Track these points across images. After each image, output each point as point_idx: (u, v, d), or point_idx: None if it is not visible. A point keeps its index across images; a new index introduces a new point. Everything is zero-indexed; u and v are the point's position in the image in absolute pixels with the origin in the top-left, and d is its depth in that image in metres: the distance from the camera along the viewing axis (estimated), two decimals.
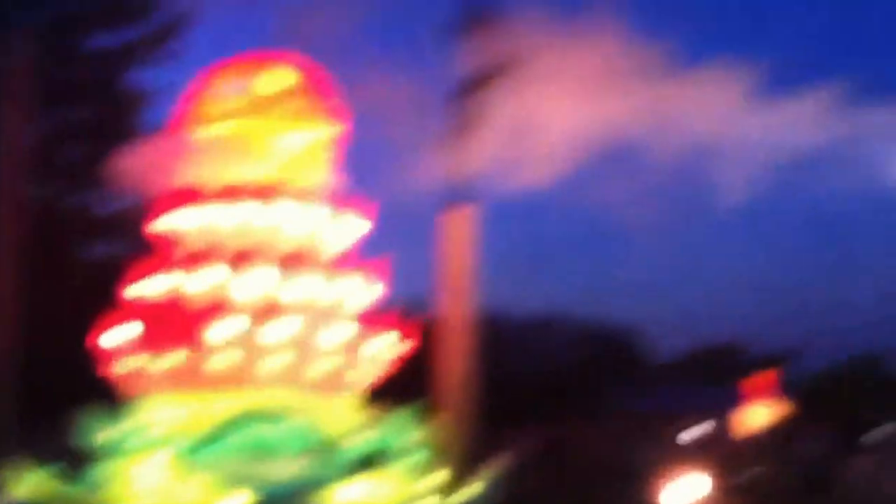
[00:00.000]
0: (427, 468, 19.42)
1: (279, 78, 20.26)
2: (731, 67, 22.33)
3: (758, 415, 44.30)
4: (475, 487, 19.89)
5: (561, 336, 59.40)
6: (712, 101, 22.15)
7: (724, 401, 46.55)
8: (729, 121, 22.36)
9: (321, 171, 20.74)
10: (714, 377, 53.94)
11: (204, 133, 20.37)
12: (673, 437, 43.11)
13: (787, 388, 46.45)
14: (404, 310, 23.29)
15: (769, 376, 45.92)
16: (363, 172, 23.78)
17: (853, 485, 33.81)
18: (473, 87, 24.63)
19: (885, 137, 21.99)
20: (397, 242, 25.20)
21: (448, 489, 19.53)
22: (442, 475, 19.55)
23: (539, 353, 55.47)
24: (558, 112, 22.80)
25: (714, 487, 34.04)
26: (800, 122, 22.17)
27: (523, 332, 56.61)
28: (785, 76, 24.23)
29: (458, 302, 25.14)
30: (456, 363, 24.66)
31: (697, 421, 46.47)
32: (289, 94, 20.17)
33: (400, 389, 20.73)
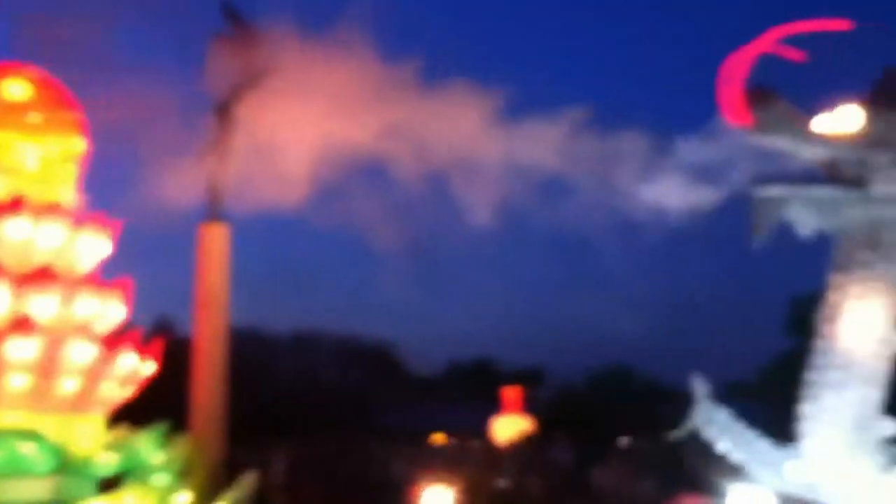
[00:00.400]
0: (174, 487, 19.33)
1: (16, 89, 19.86)
2: (478, 92, 22.98)
3: (510, 427, 45.37)
4: None
5: (320, 353, 59.46)
6: (460, 123, 22.73)
7: (479, 414, 47.52)
8: (476, 143, 22.97)
9: (63, 187, 20.41)
10: (469, 392, 55.04)
11: None
12: (428, 450, 43.68)
13: (538, 402, 47.94)
14: (152, 329, 23.11)
15: (520, 390, 47.20)
16: (109, 189, 23.52)
17: (604, 490, 34.96)
18: (226, 102, 24.62)
19: (622, 162, 22.91)
20: (148, 261, 24.98)
21: None
22: (189, 494, 19.48)
23: (298, 370, 55.40)
24: (308, 129, 22.98)
25: (467, 498, 34.82)
26: (544, 146, 22.94)
27: (281, 349, 56.46)
28: (529, 102, 25.03)
29: (212, 319, 25.01)
30: (206, 382, 24.53)
31: (453, 434, 47.23)
32: (27, 106, 19.78)
33: (149, 409, 20.57)
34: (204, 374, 24.56)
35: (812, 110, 16.75)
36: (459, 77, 23.27)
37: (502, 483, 38.00)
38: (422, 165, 23.18)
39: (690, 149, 19.26)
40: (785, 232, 16.99)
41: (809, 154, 16.85)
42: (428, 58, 23.72)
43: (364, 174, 24.40)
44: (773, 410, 18.69)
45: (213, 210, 25.01)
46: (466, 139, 22.79)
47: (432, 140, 22.93)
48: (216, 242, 24.95)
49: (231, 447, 24.67)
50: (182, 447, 20.15)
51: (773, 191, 16.51)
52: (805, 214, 16.74)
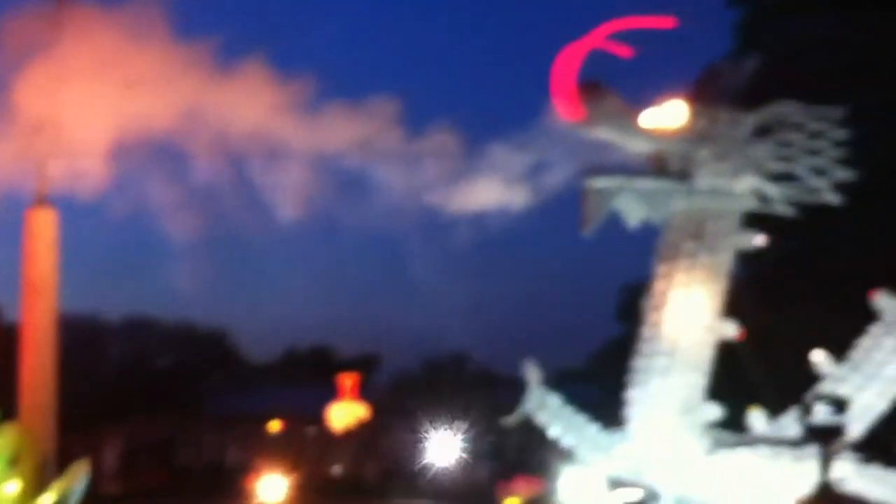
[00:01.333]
0: (3, 476, 18.95)
1: None
2: (280, 77, 22.62)
3: (346, 413, 45.52)
4: (51, 496, 19.56)
5: (153, 339, 58.64)
6: (259, 108, 22.30)
7: (315, 400, 47.49)
8: (278, 130, 22.59)
9: None
10: (306, 378, 54.89)
11: None
12: (264, 436, 43.54)
13: (372, 389, 48.16)
14: None
15: (356, 377, 47.34)
16: None
17: (440, 474, 35.32)
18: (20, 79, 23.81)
19: (434, 160, 22.93)
20: None
21: (24, 499, 19.11)
22: (19, 483, 19.12)
23: (131, 357, 54.57)
24: (103, 110, 22.25)
25: (302, 482, 34.84)
26: (351, 138, 22.78)
27: (114, 335, 55.51)
28: (336, 90, 24.74)
29: (41, 305, 24.45)
30: (35, 369, 24.00)
31: (289, 420, 47.09)
32: None
33: None
34: (33, 360, 23.99)
35: (640, 105, 17.17)
36: (261, 60, 22.86)
37: (337, 469, 38.15)
38: (223, 152, 22.78)
39: (511, 144, 19.53)
40: (616, 222, 17.37)
41: (637, 147, 17.28)
42: (228, 38, 23.26)
43: (165, 159, 23.85)
44: (604, 395, 19.16)
45: (39, 194, 24.45)
46: (268, 126, 22.45)
47: (232, 126, 22.50)
48: (44, 227, 24.40)
49: (62, 435, 24.18)
50: (10, 435, 19.75)
51: (603, 182, 16.86)
52: (633, 205, 17.15)
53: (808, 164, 17.07)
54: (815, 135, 17.11)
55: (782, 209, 17.28)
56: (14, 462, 19.42)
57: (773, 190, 17.13)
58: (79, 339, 31.73)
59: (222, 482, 35.25)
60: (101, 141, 22.42)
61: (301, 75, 22.63)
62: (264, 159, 22.99)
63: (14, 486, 18.98)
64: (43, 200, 24.31)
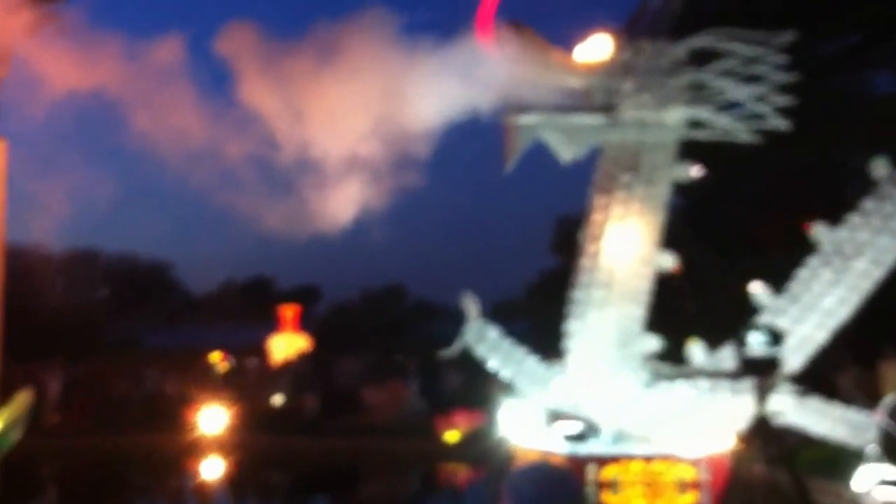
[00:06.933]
0: None
1: None
2: None
3: (286, 345, 45.53)
4: None
5: (93, 271, 58.19)
6: None
7: (255, 333, 47.49)
8: None
9: None
10: (245, 311, 54.84)
11: None
12: (204, 369, 43.43)
13: (312, 319, 48.13)
14: None
15: (294, 309, 47.29)
16: None
17: (377, 407, 35.45)
18: None
19: None
20: None
21: None
22: None
23: (67, 287, 54.14)
24: None
25: (242, 415, 34.86)
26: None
27: (54, 267, 55.03)
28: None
29: None
30: None
31: (229, 353, 47.03)
32: None
33: None
34: None
35: (564, 40, 17.09)
36: None
37: (277, 401, 38.14)
38: None
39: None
40: (548, 154, 17.29)
41: (559, 82, 17.18)
42: None
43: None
44: (540, 328, 19.18)
45: None
46: None
47: None
48: None
49: (3, 366, 23.90)
50: None
51: (525, 119, 16.78)
52: (561, 141, 17.06)
53: (747, 92, 16.98)
54: (752, 61, 17.00)
55: (739, 137, 17.16)
56: None
57: (716, 119, 17.06)
58: (18, 270, 31.20)
59: (162, 414, 35.10)
60: None
61: None
62: None
63: None
64: None
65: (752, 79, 17.04)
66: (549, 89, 17.26)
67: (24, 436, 20.05)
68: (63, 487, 28.70)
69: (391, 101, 18.50)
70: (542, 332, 18.35)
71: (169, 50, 21.48)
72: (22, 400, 20.49)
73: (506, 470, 15.69)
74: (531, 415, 17.32)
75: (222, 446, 33.30)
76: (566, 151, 17.11)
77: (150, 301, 57.25)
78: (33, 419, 20.75)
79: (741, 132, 17.08)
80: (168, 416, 34.79)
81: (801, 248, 17.42)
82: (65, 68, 21.53)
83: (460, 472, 29.53)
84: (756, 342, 15.10)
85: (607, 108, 17.09)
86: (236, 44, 20.03)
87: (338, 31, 19.36)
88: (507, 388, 18.13)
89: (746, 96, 17.01)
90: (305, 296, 54.79)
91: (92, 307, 52.72)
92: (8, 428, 19.95)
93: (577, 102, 17.37)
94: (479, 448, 26.42)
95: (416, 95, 17.88)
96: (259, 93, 20.15)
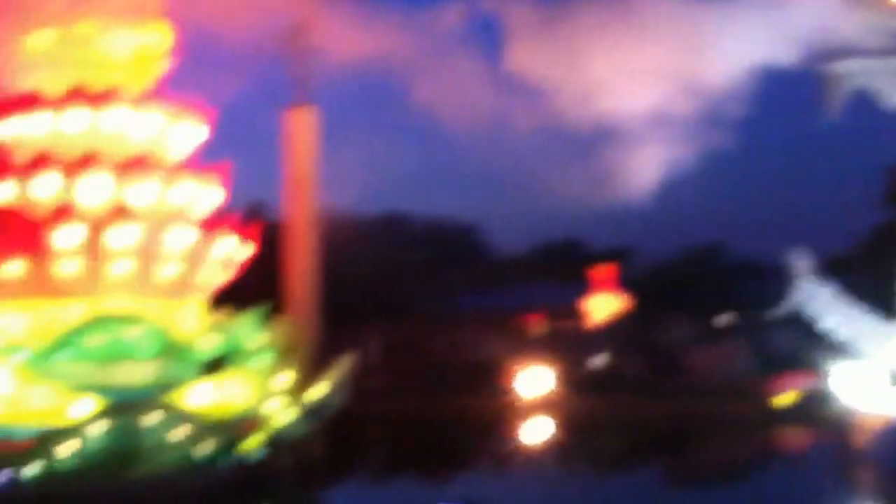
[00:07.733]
0: (275, 369, 19.51)
1: None
2: None
3: (602, 307, 45.18)
4: (322, 387, 20.05)
5: (403, 235, 59.35)
6: None
7: (569, 295, 47.34)
8: None
9: (156, 75, 20.51)
10: (556, 272, 54.70)
11: (34, 39, 19.95)
12: (521, 332, 43.69)
13: (629, 280, 47.48)
14: (247, 213, 23.10)
15: (610, 269, 46.76)
16: (202, 77, 23.38)
17: (699, 370, 34.85)
18: None
19: None
20: (240, 147, 24.98)
21: (296, 389, 19.65)
22: (289, 376, 19.67)
23: (382, 253, 55.45)
24: None
25: (563, 377, 34.89)
26: None
27: (366, 231, 56.46)
28: None
29: (302, 203, 24.97)
30: (301, 264, 24.57)
31: (545, 315, 47.09)
32: None
33: (246, 292, 20.71)
34: (297, 256, 24.60)
35: None
36: None
37: (598, 362, 37.95)
38: None
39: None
40: (871, 103, 16.56)
41: (887, 22, 16.32)
42: None
43: None
44: (877, 285, 18.33)
45: (299, 95, 24.89)
46: None
47: None
48: (303, 126, 24.84)
49: (324, 331, 24.76)
50: (282, 328, 20.32)
51: (845, 66, 16.03)
52: (886, 86, 16.26)
53: None
54: None
55: None
56: (285, 355, 19.97)
57: None
58: (335, 236, 32.28)
59: (480, 377, 35.58)
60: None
61: None
62: None
63: (286, 378, 19.52)
64: (303, 100, 24.78)
65: None
66: (870, 32, 16.51)
67: (349, 399, 20.73)
68: (391, 450, 29.13)
69: (689, 56, 18.15)
70: (880, 289, 17.57)
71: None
72: (345, 364, 21.16)
73: (852, 436, 15.13)
74: (873, 376, 16.59)
75: (544, 408, 33.41)
76: (891, 96, 16.36)
77: (459, 264, 57.94)
78: (356, 381, 21.44)
79: None
80: (486, 379, 35.17)
81: None
82: (362, 40, 22.03)
83: (796, 437, 28.42)
84: None
85: None
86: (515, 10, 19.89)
87: None
88: (843, 348, 17.44)
89: None
90: (617, 257, 54.03)
91: (404, 271, 53.73)
92: (334, 391, 20.65)
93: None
94: (814, 412, 25.38)
95: (713, 48, 17.49)
96: (547, 60, 20.12)
